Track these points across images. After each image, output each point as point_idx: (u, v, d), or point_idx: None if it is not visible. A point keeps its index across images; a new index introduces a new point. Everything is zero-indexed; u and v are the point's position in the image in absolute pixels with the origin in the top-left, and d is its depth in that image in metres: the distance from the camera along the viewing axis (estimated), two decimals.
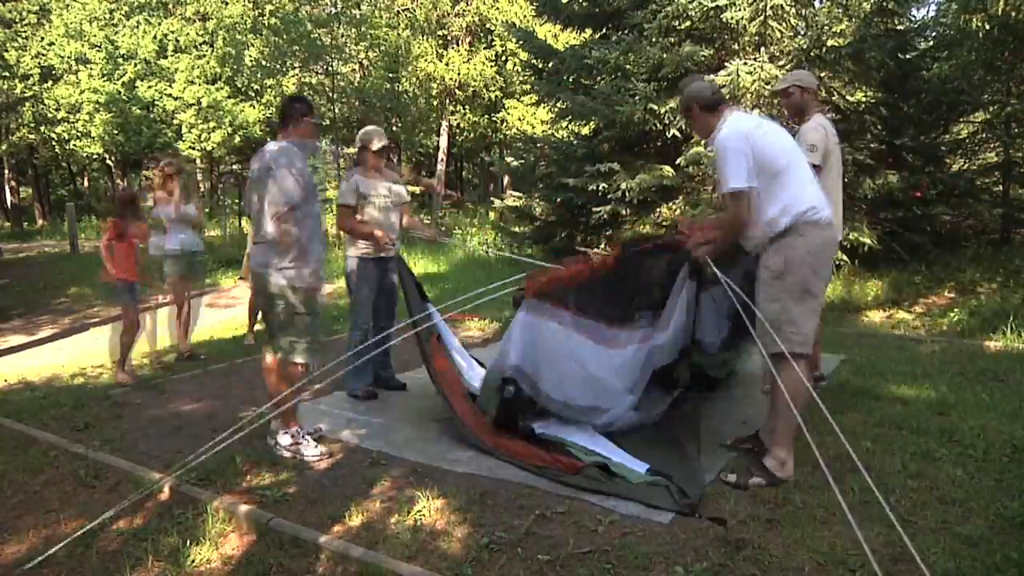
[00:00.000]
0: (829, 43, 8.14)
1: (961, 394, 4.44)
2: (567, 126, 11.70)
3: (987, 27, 6.90)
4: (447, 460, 3.65)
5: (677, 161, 8.97)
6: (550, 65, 10.88)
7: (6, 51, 19.53)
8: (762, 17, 8.33)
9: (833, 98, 9.59)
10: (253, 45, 20.11)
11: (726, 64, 8.33)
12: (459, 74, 23.12)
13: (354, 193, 4.61)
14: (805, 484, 3.24)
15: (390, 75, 23.42)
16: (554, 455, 3.53)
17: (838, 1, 8.77)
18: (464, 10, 23.76)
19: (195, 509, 3.18)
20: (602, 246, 9.64)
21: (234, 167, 30.71)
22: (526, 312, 3.79)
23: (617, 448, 3.63)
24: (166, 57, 20.05)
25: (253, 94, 21.17)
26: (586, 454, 3.53)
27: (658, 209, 9.83)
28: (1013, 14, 6.68)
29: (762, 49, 8.54)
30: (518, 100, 23.07)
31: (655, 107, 8.77)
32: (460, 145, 27.87)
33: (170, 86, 19.64)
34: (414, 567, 2.64)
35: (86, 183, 31.71)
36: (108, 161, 23.79)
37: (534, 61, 11.64)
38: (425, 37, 24.39)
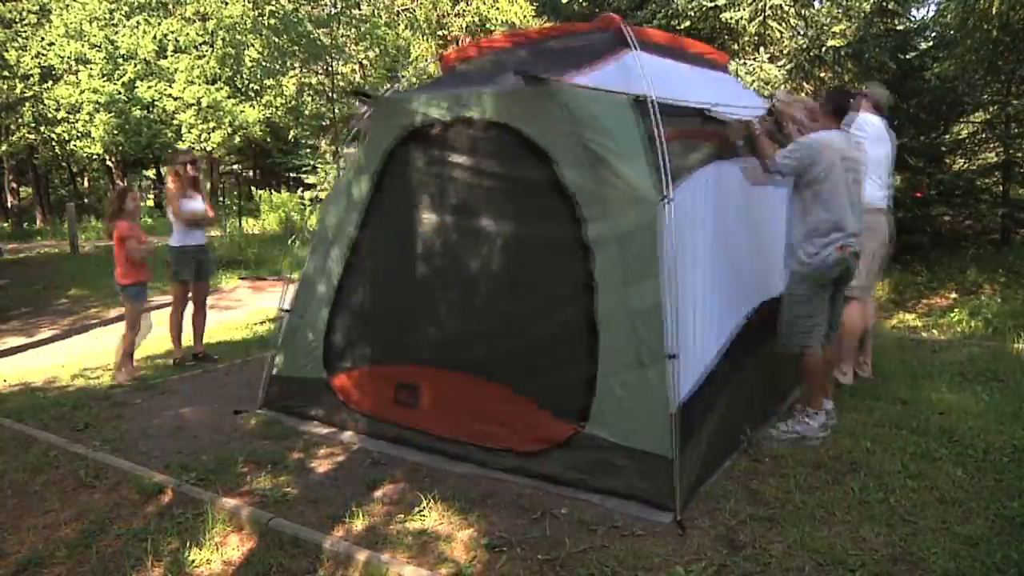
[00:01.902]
0: (829, 43, 8.13)
1: (961, 394, 4.44)
2: None
3: (985, 27, 6.89)
4: (447, 460, 3.64)
5: None
6: None
7: (6, 51, 19.45)
8: (761, 17, 8.34)
9: None
10: (253, 45, 20.09)
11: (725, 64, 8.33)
12: None
13: None
14: (805, 484, 3.24)
15: (390, 75, 23.40)
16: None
17: (838, 1, 8.76)
18: (464, 10, 23.72)
19: (195, 510, 3.18)
20: None
21: (234, 167, 30.72)
22: None
23: None
24: (166, 57, 20.04)
25: (253, 94, 21.15)
26: None
27: None
28: (1010, 14, 6.66)
29: (761, 49, 8.54)
30: None
31: None
32: None
33: (170, 86, 19.63)
34: (416, 568, 2.65)
35: (86, 184, 31.65)
36: (108, 162, 23.78)
37: None
38: (425, 37, 24.38)
